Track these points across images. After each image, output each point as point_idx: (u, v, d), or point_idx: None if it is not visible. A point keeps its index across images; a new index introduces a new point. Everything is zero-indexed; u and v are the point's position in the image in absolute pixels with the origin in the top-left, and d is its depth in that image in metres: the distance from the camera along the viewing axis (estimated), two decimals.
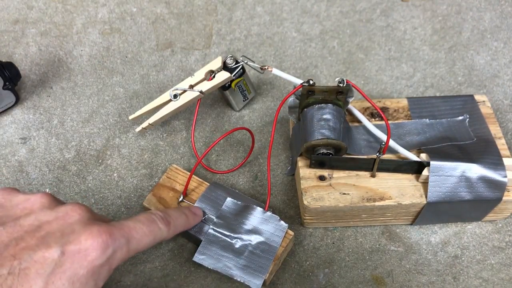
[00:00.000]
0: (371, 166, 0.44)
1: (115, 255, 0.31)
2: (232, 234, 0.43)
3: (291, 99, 0.47)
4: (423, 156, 0.44)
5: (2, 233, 0.29)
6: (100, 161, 0.53)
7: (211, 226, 0.43)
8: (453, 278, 0.44)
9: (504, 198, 0.43)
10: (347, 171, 0.45)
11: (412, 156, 0.45)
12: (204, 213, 0.44)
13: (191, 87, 0.51)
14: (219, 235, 0.43)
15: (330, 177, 0.45)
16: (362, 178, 0.45)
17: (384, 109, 0.50)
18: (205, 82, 0.51)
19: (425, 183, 0.44)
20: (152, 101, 0.51)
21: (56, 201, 0.33)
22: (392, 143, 0.45)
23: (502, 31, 0.64)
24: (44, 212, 0.31)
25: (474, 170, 0.42)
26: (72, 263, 0.29)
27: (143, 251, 0.46)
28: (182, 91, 0.50)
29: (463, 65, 0.61)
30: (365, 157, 0.46)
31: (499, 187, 0.42)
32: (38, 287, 0.27)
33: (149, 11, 0.68)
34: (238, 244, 0.43)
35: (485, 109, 0.49)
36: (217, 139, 0.46)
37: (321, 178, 0.45)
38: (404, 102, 0.50)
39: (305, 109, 0.45)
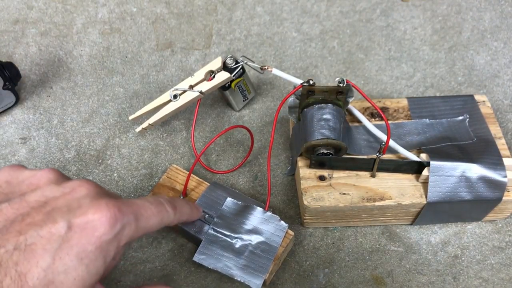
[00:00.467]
0: (371, 166, 0.44)
1: (123, 232, 0.30)
2: (232, 234, 0.43)
3: (291, 99, 0.47)
4: (423, 156, 0.44)
5: (8, 209, 0.28)
6: (100, 161, 0.53)
7: (211, 226, 0.43)
8: (453, 278, 0.44)
9: (504, 198, 0.43)
10: (347, 171, 0.45)
11: (412, 156, 0.45)
12: (204, 213, 0.44)
13: (191, 87, 0.51)
14: (219, 235, 0.43)
15: (330, 177, 0.45)
16: (362, 178, 0.45)
17: (384, 109, 0.50)
18: (205, 82, 0.51)
19: (425, 183, 0.44)
20: (152, 101, 0.52)
21: (63, 176, 0.32)
22: (392, 143, 0.45)
23: (502, 31, 0.64)
24: (50, 188, 0.30)
25: (474, 170, 0.42)
26: (79, 238, 0.28)
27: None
28: (182, 91, 0.50)
29: (463, 65, 0.61)
30: (365, 157, 0.46)
31: (499, 187, 0.42)
32: (45, 263, 0.27)
33: (149, 11, 0.68)
34: (238, 244, 0.43)
35: (485, 109, 0.49)
36: (215, 136, 0.46)
37: (321, 178, 0.45)
38: (404, 102, 0.50)
39: (305, 109, 0.45)
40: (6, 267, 0.26)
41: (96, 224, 0.29)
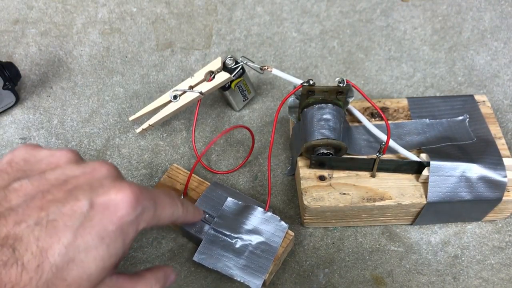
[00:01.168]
0: (371, 166, 0.44)
1: (143, 216, 0.30)
2: (232, 234, 0.43)
3: (291, 99, 0.47)
4: (423, 156, 0.44)
5: (28, 185, 0.28)
6: None
7: (211, 226, 0.43)
8: (453, 278, 0.44)
9: (504, 198, 0.43)
10: (347, 171, 0.45)
11: (412, 156, 0.45)
12: (205, 213, 0.44)
13: (191, 88, 0.51)
14: (219, 235, 0.43)
15: (330, 177, 0.45)
16: (362, 178, 0.45)
17: (384, 109, 0.50)
18: (205, 82, 0.51)
19: (425, 183, 0.44)
20: (152, 101, 0.52)
21: (81, 157, 0.32)
22: (392, 143, 0.45)
23: (502, 31, 0.64)
24: (70, 167, 0.30)
25: (474, 170, 0.42)
26: (101, 217, 0.28)
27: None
28: (182, 92, 0.50)
29: (463, 65, 0.61)
30: (365, 157, 0.46)
31: (499, 187, 0.42)
32: (66, 240, 0.26)
33: (149, 11, 0.68)
34: (238, 244, 0.43)
35: (485, 109, 0.49)
36: (216, 136, 0.46)
37: (321, 178, 0.45)
38: (404, 102, 0.50)
39: (305, 109, 0.45)
40: (27, 242, 0.25)
41: (118, 204, 0.28)
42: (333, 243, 0.47)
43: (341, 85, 0.43)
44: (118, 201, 0.28)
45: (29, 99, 0.58)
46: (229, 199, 0.45)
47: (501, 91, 0.58)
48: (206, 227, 0.44)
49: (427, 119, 0.49)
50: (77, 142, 0.55)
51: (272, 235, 0.43)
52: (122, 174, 0.32)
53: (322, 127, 0.44)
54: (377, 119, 0.49)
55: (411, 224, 0.47)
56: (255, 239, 0.43)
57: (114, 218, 0.28)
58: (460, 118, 0.49)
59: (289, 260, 0.46)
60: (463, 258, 0.46)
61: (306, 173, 0.45)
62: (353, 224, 0.47)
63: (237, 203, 0.45)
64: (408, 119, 0.49)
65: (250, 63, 0.52)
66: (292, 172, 0.50)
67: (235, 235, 0.43)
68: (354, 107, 0.49)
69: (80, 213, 0.27)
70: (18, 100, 0.57)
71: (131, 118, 0.52)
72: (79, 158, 0.32)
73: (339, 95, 0.44)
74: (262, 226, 0.43)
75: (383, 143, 0.42)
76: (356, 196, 0.44)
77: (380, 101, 0.51)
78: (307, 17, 0.66)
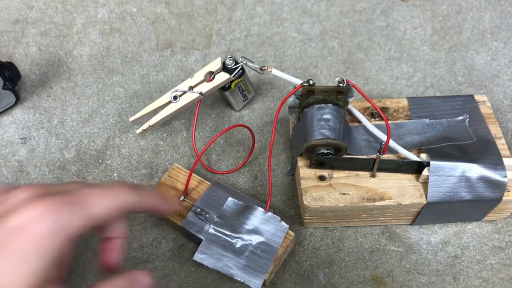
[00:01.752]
0: (371, 166, 0.44)
1: (68, 222, 0.29)
2: (233, 234, 0.43)
3: (291, 99, 0.47)
4: (423, 156, 0.44)
5: None
6: (100, 161, 0.53)
7: (212, 226, 0.44)
8: (453, 278, 0.45)
9: (504, 198, 0.43)
10: (347, 171, 0.45)
11: (412, 156, 0.45)
12: (205, 213, 0.44)
13: (191, 88, 0.51)
14: (220, 234, 0.43)
15: (330, 177, 0.45)
16: (362, 178, 0.45)
17: (384, 109, 0.50)
18: (205, 83, 0.51)
19: (425, 183, 0.44)
20: (152, 102, 0.52)
21: (10, 187, 0.32)
22: (392, 143, 0.45)
23: (502, 31, 0.64)
24: None
25: (474, 170, 0.42)
26: (17, 239, 0.28)
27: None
28: (182, 92, 0.50)
29: (463, 65, 0.61)
30: (365, 157, 0.46)
31: (499, 187, 0.42)
32: None
33: (149, 11, 0.68)
34: (238, 244, 0.43)
35: (485, 109, 0.49)
36: (216, 135, 0.46)
37: (321, 178, 0.45)
38: (404, 102, 0.50)
39: (305, 109, 0.45)
40: None
41: (32, 221, 0.28)
42: (333, 243, 0.47)
43: (341, 85, 0.43)
44: (31, 218, 0.28)
45: (29, 99, 0.58)
46: (230, 199, 0.45)
47: (501, 91, 0.58)
48: (207, 227, 0.44)
49: (427, 119, 0.49)
50: (77, 142, 0.55)
51: (272, 235, 0.43)
52: (52, 188, 0.31)
53: (322, 127, 0.44)
54: (377, 119, 0.49)
55: (411, 224, 0.47)
56: (255, 239, 0.43)
57: (31, 236, 0.28)
58: (460, 118, 0.49)
59: (289, 260, 0.46)
60: (463, 258, 0.46)
61: (306, 173, 0.45)
62: (353, 224, 0.47)
63: (237, 203, 0.45)
64: (408, 119, 0.49)
65: (250, 64, 0.52)
66: (292, 172, 0.50)
67: (236, 235, 0.43)
68: (354, 107, 0.49)
69: None
70: (18, 100, 0.57)
71: (131, 119, 0.52)
72: (6, 189, 0.31)
73: (339, 95, 0.44)
74: (263, 226, 0.43)
75: (383, 143, 0.42)
76: (356, 196, 0.44)
77: (380, 101, 0.51)
78: (307, 17, 0.66)
